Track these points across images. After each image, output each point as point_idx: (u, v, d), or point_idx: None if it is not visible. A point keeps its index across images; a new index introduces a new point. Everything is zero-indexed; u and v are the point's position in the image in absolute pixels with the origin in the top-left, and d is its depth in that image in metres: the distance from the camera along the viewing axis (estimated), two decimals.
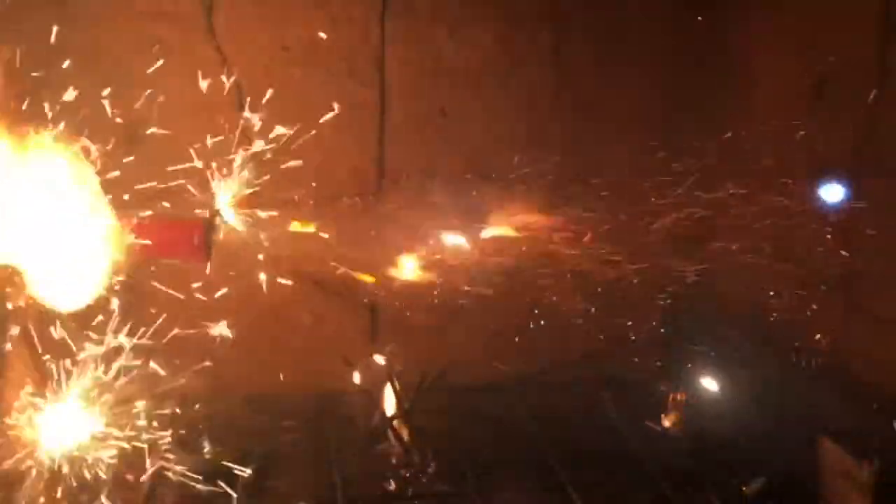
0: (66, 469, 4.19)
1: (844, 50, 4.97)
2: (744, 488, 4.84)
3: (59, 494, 4.21)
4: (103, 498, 4.28)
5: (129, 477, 4.49)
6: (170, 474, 4.64)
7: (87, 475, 4.22)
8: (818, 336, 5.22)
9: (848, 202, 5.35)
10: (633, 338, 5.79)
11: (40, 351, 4.23)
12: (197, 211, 4.42)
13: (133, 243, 3.96)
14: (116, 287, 4.20)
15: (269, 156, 4.93)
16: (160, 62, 4.76)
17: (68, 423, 4.19)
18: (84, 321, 4.32)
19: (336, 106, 5.13)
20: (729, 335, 5.76)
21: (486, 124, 5.82)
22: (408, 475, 5.00)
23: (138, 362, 4.43)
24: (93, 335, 4.29)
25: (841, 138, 5.13)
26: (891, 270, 4.70)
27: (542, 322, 5.76)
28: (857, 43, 4.92)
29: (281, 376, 5.43)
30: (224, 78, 5.05)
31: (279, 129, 4.94)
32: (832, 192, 5.47)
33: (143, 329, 4.54)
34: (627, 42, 5.88)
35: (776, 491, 4.82)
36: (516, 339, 5.78)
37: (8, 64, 4.30)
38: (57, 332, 4.19)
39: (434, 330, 5.68)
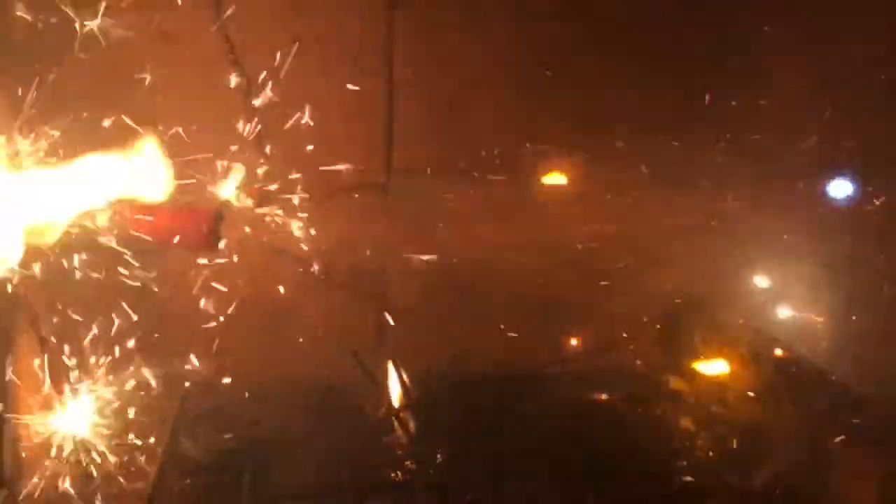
0: (74, 458, 4.21)
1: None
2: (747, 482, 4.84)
3: (67, 483, 4.23)
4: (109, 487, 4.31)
5: (136, 467, 4.52)
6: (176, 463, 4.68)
7: (95, 464, 4.25)
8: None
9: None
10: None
11: (49, 340, 4.24)
12: (206, 201, 4.44)
13: (141, 231, 3.98)
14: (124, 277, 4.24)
15: (277, 147, 4.95)
16: (169, 53, 4.78)
17: (76, 413, 4.21)
18: (91, 312, 4.34)
19: (344, 98, 5.14)
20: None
21: (496, 118, 5.81)
22: (415, 466, 5.00)
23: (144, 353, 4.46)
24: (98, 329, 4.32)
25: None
26: None
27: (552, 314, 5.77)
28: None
29: (288, 367, 5.45)
30: (232, 69, 5.06)
31: (287, 121, 4.96)
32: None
33: (148, 321, 4.58)
34: (634, 39, 5.86)
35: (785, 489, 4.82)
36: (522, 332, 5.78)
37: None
38: (65, 321, 4.21)
39: (442, 321, 5.68)
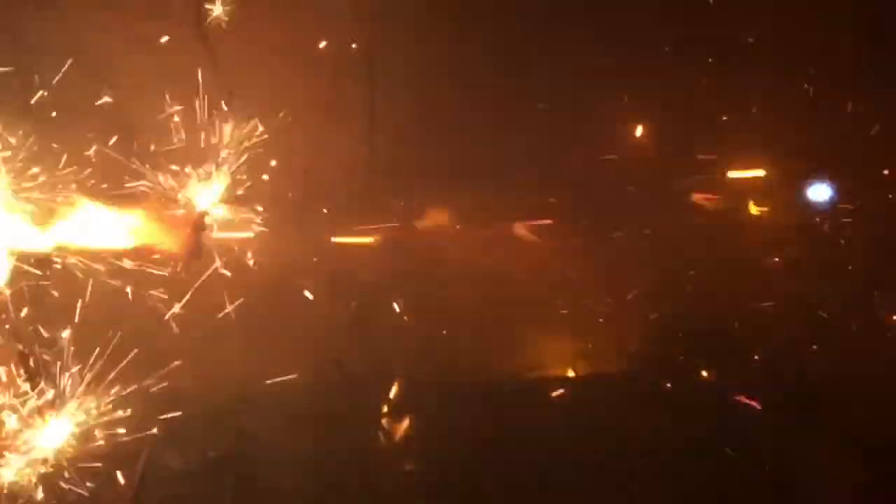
0: (52, 468, 4.19)
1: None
2: None
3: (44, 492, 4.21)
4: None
5: (118, 474, 4.50)
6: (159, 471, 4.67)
7: (75, 473, 4.23)
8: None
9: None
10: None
11: (24, 349, 4.22)
12: (187, 209, 4.43)
13: (125, 241, 3.98)
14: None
15: (259, 154, 4.93)
16: (151, 61, 4.77)
17: (56, 420, 4.19)
18: (71, 317, 4.32)
19: (326, 105, 5.14)
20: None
21: (477, 124, 5.82)
22: (395, 472, 5.01)
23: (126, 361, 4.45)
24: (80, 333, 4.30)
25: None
26: None
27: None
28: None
29: (272, 375, 5.43)
30: (215, 77, 5.04)
31: (270, 128, 4.94)
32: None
33: (131, 331, 4.56)
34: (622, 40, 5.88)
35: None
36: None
37: None
38: (41, 328, 4.20)
39: (424, 327, 5.69)
